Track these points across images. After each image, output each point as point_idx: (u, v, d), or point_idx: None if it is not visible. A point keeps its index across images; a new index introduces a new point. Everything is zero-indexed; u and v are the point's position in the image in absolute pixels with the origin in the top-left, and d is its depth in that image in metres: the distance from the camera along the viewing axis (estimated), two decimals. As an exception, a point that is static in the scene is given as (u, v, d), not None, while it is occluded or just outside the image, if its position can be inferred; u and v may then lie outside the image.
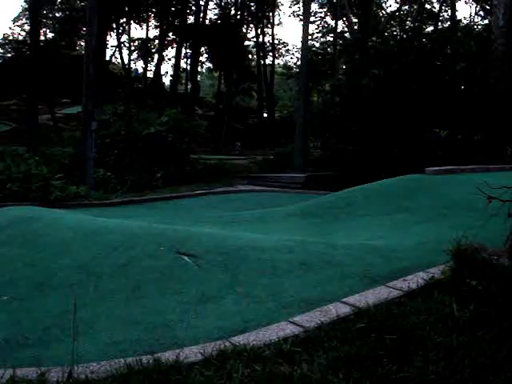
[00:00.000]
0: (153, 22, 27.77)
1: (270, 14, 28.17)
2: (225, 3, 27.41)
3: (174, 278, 2.88)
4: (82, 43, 23.74)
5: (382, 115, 9.80)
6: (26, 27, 25.36)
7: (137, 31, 48.07)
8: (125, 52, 29.35)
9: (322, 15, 27.16)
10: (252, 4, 27.46)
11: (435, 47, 11.03)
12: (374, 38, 14.03)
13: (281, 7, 38.68)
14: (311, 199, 6.37)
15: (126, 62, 28.43)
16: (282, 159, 13.54)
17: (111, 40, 30.04)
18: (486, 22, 19.76)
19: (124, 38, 28.74)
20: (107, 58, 24.59)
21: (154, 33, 28.77)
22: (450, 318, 2.16)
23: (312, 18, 24.50)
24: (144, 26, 28.23)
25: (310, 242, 3.57)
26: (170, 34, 26.73)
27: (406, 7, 25.98)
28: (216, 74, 29.68)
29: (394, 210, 4.80)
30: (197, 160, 11.61)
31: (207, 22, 26.00)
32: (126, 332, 2.31)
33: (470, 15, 28.45)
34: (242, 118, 27.67)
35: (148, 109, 14.58)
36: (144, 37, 28.68)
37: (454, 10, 22.92)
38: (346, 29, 23.69)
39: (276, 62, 30.46)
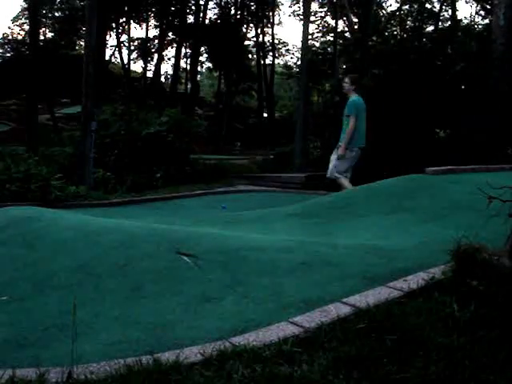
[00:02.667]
0: (152, 22, 27.78)
1: (270, 13, 28.17)
2: (225, 3, 27.43)
3: (173, 278, 2.87)
4: (82, 43, 23.76)
5: (382, 115, 9.79)
6: (26, 27, 25.37)
7: (136, 31, 48.18)
8: (124, 52, 29.32)
9: (322, 15, 27.18)
10: (252, 4, 27.46)
11: (435, 47, 11.03)
12: (374, 38, 14.03)
13: (281, 7, 38.64)
14: (311, 199, 6.36)
15: (125, 61, 28.42)
16: (282, 159, 13.53)
17: (111, 40, 30.07)
18: (487, 21, 19.77)
19: (124, 37, 28.74)
20: (107, 58, 24.59)
21: (153, 32, 28.79)
22: (450, 319, 2.15)
23: (312, 18, 24.51)
24: (144, 26, 28.24)
25: (309, 242, 3.57)
26: (170, 34, 26.74)
27: (407, 7, 25.98)
28: (216, 74, 29.69)
29: (395, 209, 4.80)
30: (197, 160, 11.61)
31: (207, 21, 26.00)
32: (125, 332, 2.30)
33: (471, 15, 28.45)
34: (242, 117, 27.70)
35: (148, 109, 14.59)
36: (144, 36, 28.69)
37: (454, 9, 22.94)
38: (346, 28, 23.68)
39: (276, 61, 30.49)
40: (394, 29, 22.16)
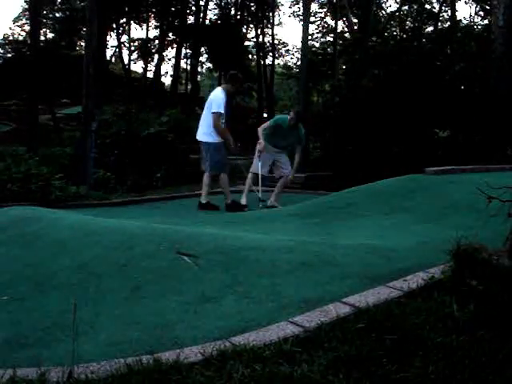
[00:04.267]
0: (153, 23, 27.77)
1: (270, 14, 28.17)
2: (225, 3, 27.44)
3: (173, 278, 2.88)
4: (82, 43, 23.76)
5: (382, 115, 9.80)
6: (26, 27, 25.40)
7: (137, 31, 48.24)
8: (125, 52, 29.32)
9: (322, 15, 27.19)
10: (252, 4, 27.46)
11: (435, 47, 11.04)
12: (373, 38, 14.05)
13: (281, 7, 38.66)
14: (311, 199, 6.36)
15: (126, 62, 28.43)
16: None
17: (111, 40, 30.10)
18: (486, 22, 19.78)
19: (124, 38, 28.74)
20: (107, 58, 24.59)
21: (154, 33, 28.78)
22: (449, 318, 2.16)
23: (312, 18, 24.53)
24: (144, 26, 28.24)
25: (309, 242, 3.57)
26: (170, 34, 26.72)
27: (406, 7, 25.99)
28: (216, 74, 29.69)
29: (394, 209, 4.80)
30: (197, 160, 11.59)
31: (207, 22, 26.01)
32: (126, 332, 2.31)
33: (470, 15, 28.46)
34: (242, 118, 27.65)
35: (148, 109, 14.61)
36: (144, 37, 28.69)
37: (453, 10, 22.94)
38: (345, 29, 23.70)
39: (276, 62, 30.47)
40: (394, 29, 22.20)
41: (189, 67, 27.36)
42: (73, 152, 10.35)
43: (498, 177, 5.19)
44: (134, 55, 29.48)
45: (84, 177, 8.75)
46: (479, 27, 17.35)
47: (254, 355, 1.89)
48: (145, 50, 27.78)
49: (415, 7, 25.17)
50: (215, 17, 27.37)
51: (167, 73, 44.38)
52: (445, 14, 25.92)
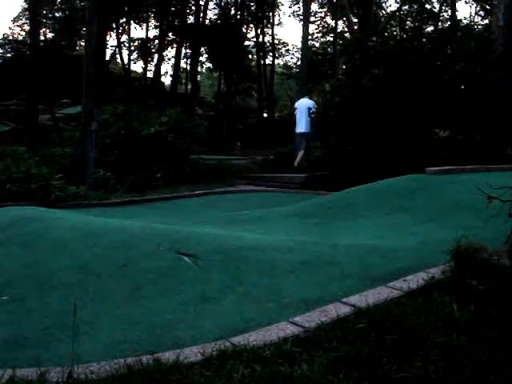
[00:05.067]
0: (153, 22, 27.75)
1: (270, 13, 28.17)
2: (225, 3, 27.40)
3: (173, 278, 2.88)
4: (82, 43, 23.76)
5: (382, 115, 9.79)
6: (26, 27, 25.38)
7: (137, 31, 48.24)
8: (125, 52, 29.32)
9: (322, 15, 27.19)
10: (252, 4, 27.45)
11: (435, 47, 11.03)
12: (374, 38, 14.04)
13: (281, 7, 38.61)
14: (311, 199, 6.36)
15: (125, 62, 28.42)
16: (282, 159, 13.52)
17: (111, 40, 30.08)
18: (486, 21, 19.78)
19: (124, 37, 28.72)
20: (107, 58, 24.56)
21: (153, 33, 28.76)
22: (450, 318, 2.16)
23: (312, 18, 24.53)
24: (144, 26, 28.22)
25: (309, 242, 3.58)
26: (170, 34, 26.70)
27: (406, 7, 25.98)
28: (216, 75, 29.70)
29: (394, 209, 4.81)
30: (197, 160, 11.60)
31: (207, 21, 26.00)
32: (125, 332, 2.31)
33: (470, 15, 28.46)
34: (242, 117, 27.64)
35: (148, 109, 14.59)
36: (144, 37, 28.68)
37: (454, 9, 22.93)
38: (345, 29, 23.71)
39: (276, 61, 30.47)
40: (394, 29, 22.19)
41: (189, 67, 27.38)
42: (73, 152, 10.35)
43: (498, 177, 5.19)
44: (134, 55, 29.49)
45: (84, 177, 8.75)
46: (479, 27, 17.33)
47: (254, 355, 1.89)
48: (144, 49, 27.77)
49: (415, 7, 25.17)
50: (215, 17, 27.36)
51: (167, 73, 44.40)
52: (445, 14, 25.94)
